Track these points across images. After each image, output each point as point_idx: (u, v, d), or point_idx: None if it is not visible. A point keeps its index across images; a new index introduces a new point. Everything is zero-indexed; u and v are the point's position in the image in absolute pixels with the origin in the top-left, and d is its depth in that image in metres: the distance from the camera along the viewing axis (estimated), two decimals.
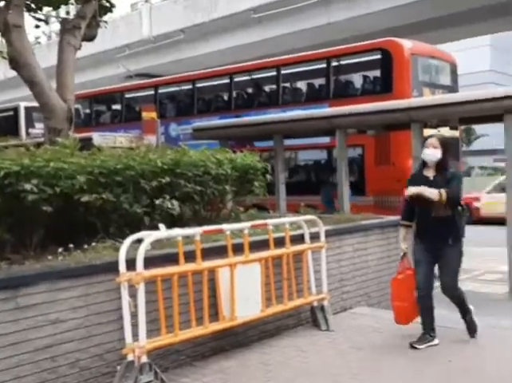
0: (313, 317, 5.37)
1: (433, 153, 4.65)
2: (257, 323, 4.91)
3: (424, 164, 4.78)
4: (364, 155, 11.35)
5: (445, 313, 5.05)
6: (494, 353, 4.59)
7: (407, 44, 11.20)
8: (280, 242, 5.08)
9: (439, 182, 4.59)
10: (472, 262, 10.09)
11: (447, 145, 4.76)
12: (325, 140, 10.63)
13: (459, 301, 4.87)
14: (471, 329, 4.93)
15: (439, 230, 4.65)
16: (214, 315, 4.45)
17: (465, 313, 4.93)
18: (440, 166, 4.67)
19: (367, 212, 11.28)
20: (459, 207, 4.71)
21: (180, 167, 5.56)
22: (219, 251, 4.59)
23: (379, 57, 11.33)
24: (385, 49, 11.12)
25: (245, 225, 4.81)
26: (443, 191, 4.51)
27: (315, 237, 5.46)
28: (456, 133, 11.50)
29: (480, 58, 45.41)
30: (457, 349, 4.67)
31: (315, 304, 5.36)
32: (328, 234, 5.55)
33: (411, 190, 4.62)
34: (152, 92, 15.40)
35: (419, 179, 4.74)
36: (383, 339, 4.94)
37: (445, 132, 10.90)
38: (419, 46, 11.71)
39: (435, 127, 8.67)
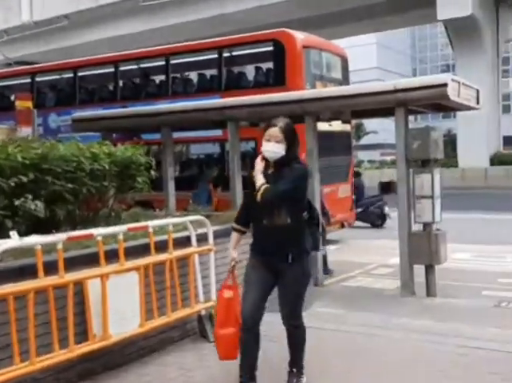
0: (200, 328, 4.87)
1: (273, 149, 3.58)
2: (137, 339, 4.32)
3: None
4: (258, 150, 11.01)
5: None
6: None
7: (299, 36, 10.94)
8: (163, 247, 4.53)
9: (277, 178, 3.59)
10: (369, 255, 10.22)
11: (294, 135, 3.67)
12: (218, 132, 10.15)
13: (297, 340, 3.77)
14: None
15: (274, 243, 3.60)
16: (83, 334, 3.81)
17: (297, 361, 3.78)
18: (283, 163, 3.62)
19: None
20: (306, 215, 3.70)
21: (48, 163, 4.87)
22: (89, 260, 3.95)
23: (271, 48, 10.99)
24: (277, 41, 10.81)
25: (120, 229, 4.19)
26: (264, 186, 3.54)
27: (203, 239, 4.96)
28: (347, 127, 11.53)
29: (367, 56, 47.31)
30: None
31: (203, 313, 4.87)
32: (218, 235, 5.07)
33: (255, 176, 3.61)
34: (29, 79, 14.08)
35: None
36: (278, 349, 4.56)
37: (337, 125, 10.88)
38: (311, 39, 11.53)
39: (328, 120, 8.49)
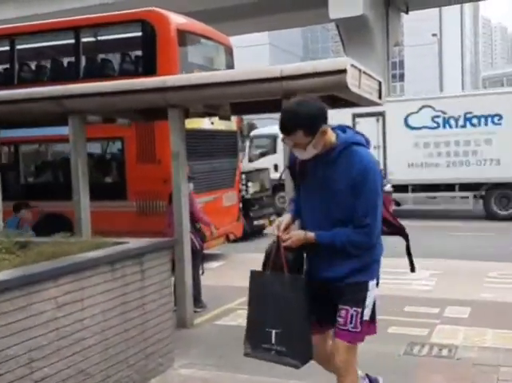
0: None
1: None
2: None
3: None
4: (124, 151, 9.14)
5: None
6: None
7: (173, 17, 9.19)
8: None
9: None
10: None
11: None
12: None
13: None
14: None
15: None
16: None
17: None
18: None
19: (130, 221, 9.52)
20: None
21: None
22: None
23: (139, 30, 9.15)
24: (147, 22, 8.97)
25: None
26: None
27: None
28: (233, 126, 10.05)
29: (260, 56, 46.64)
30: None
31: None
32: (10, 286, 3.23)
33: None
34: None
35: None
36: None
37: (219, 123, 9.27)
38: (189, 23, 9.82)
39: (204, 115, 6.84)
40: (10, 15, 32.28)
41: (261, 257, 3.10)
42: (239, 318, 6.17)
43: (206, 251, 8.89)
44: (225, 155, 10.09)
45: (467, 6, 65.09)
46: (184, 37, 9.24)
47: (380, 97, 6.21)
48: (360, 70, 5.45)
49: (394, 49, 34.72)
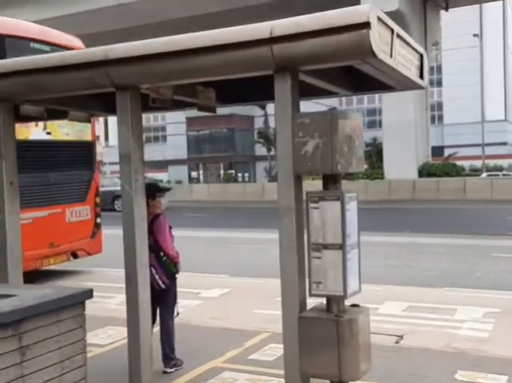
0: None
1: None
2: None
3: None
4: None
5: None
6: None
7: None
8: None
9: None
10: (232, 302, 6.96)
11: None
12: None
13: None
14: None
15: None
16: None
17: None
18: None
19: None
20: None
21: None
22: None
23: None
24: None
25: None
26: None
27: None
28: (86, 135, 9.14)
29: None
30: None
31: None
32: None
33: None
34: None
35: None
36: None
37: (62, 134, 8.33)
38: (17, 27, 8.64)
39: (176, 105, 5.09)
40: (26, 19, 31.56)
41: None
42: None
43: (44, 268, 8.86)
44: (72, 167, 9.22)
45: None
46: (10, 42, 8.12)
47: (421, 76, 4.36)
48: (392, 31, 3.62)
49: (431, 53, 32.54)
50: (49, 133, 8.82)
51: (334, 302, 3.48)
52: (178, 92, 4.52)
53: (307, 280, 3.55)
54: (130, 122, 4.07)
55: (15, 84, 4.37)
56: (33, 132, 8.52)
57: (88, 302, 3.15)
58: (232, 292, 8.35)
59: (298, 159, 3.45)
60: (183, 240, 6.98)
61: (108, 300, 7.69)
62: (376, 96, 49.36)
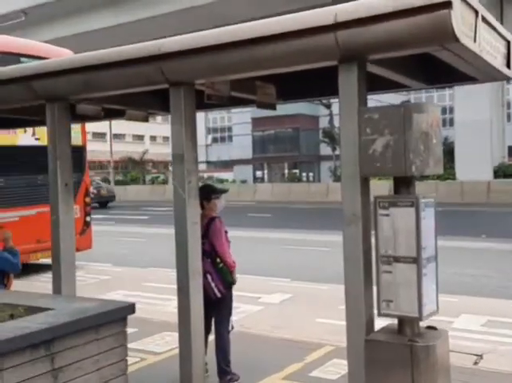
0: None
1: None
2: None
3: None
4: None
5: None
6: None
7: None
8: None
9: None
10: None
11: None
12: None
13: None
14: None
15: None
16: None
17: None
18: None
19: None
20: None
21: None
22: None
23: None
24: None
25: None
26: None
27: None
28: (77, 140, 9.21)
29: None
30: None
31: None
32: None
33: None
34: None
35: None
36: None
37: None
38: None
39: (233, 102, 4.79)
40: (105, 24, 32.42)
41: None
42: None
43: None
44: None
45: None
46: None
47: (508, 66, 3.83)
48: (476, 12, 3.15)
49: None
50: (37, 139, 9.47)
51: (407, 324, 3.05)
52: (235, 88, 4.21)
53: (374, 295, 3.14)
54: (183, 120, 3.80)
55: (70, 82, 4.21)
56: (21, 137, 9.37)
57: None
58: (294, 298, 7.99)
59: (365, 160, 3.04)
60: (244, 241, 6.69)
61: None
62: (447, 93, 47.45)
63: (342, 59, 3.14)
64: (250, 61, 3.42)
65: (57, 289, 4.42)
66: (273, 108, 4.64)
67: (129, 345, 5.32)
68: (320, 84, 4.39)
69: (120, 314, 2.69)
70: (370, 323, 3.16)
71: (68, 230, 4.42)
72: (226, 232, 4.55)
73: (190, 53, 3.50)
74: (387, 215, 3.02)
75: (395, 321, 3.15)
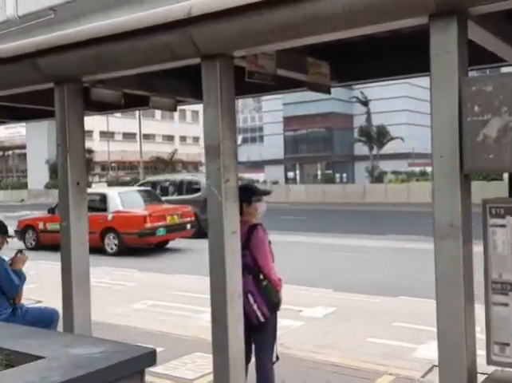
0: None
1: None
2: None
3: None
4: None
5: None
6: None
7: None
8: None
9: None
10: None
11: None
12: None
13: None
14: None
15: None
16: None
17: None
18: None
19: None
20: None
21: None
22: None
23: None
24: None
25: None
26: None
27: None
28: None
29: None
30: None
31: None
32: None
33: None
34: None
35: None
36: None
37: None
38: None
39: (282, 85, 3.99)
40: None
41: None
42: None
43: None
44: None
45: None
46: None
47: None
48: None
49: None
50: None
51: None
52: (281, 65, 3.41)
53: (477, 334, 2.30)
54: (220, 102, 3.00)
55: (81, 58, 3.49)
56: None
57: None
58: (339, 311, 7.15)
59: (471, 150, 2.21)
60: (280, 246, 5.88)
61: None
62: None
63: (437, 12, 2.31)
64: (301, 22, 2.59)
65: (67, 307, 3.70)
66: (326, 91, 3.82)
67: (154, 369, 4.56)
68: (387, 62, 3.56)
69: (136, 366, 1.92)
70: (472, 373, 2.32)
71: (80, 240, 3.68)
72: (269, 243, 3.75)
73: (227, 13, 2.71)
74: (502, 226, 2.18)
75: (506, 369, 2.31)
